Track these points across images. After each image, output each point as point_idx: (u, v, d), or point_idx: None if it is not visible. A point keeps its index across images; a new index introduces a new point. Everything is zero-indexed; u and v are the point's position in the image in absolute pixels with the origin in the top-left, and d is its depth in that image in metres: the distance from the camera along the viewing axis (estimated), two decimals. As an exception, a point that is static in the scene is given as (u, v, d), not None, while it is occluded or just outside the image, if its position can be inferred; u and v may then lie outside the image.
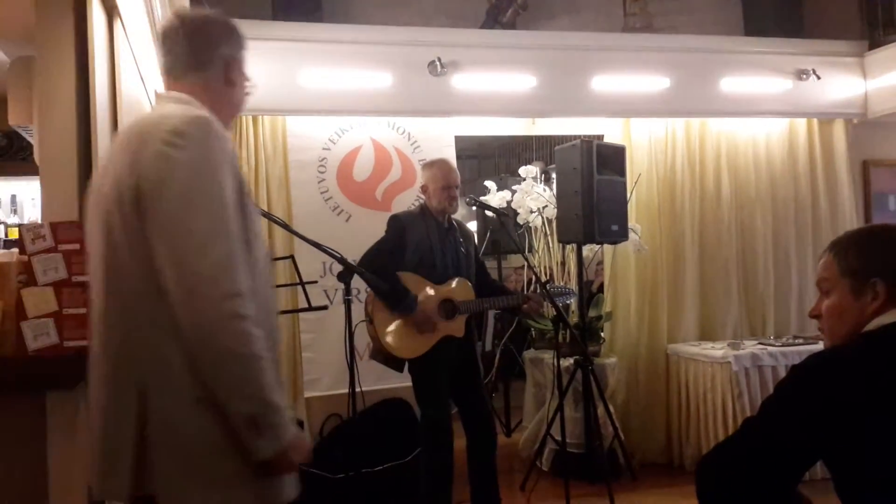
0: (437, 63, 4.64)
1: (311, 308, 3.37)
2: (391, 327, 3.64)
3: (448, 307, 3.70)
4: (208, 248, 1.49)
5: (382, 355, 3.68)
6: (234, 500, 1.56)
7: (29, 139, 4.13)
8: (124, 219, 1.56)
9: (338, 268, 3.70)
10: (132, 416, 1.53)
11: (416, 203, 4.72)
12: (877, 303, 1.52)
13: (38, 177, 2.48)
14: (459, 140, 5.05)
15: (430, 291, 3.68)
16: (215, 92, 1.81)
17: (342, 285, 3.88)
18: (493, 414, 3.97)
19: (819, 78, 5.26)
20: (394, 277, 3.57)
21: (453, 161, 4.75)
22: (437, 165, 3.85)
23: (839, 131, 5.51)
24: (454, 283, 3.74)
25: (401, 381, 3.99)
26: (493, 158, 9.00)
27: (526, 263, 4.08)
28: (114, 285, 1.60)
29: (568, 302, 4.30)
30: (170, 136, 1.55)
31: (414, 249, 3.69)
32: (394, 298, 3.57)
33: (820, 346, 4.89)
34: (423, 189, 3.84)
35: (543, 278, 4.68)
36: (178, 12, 1.85)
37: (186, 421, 1.53)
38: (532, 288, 4.29)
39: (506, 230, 4.22)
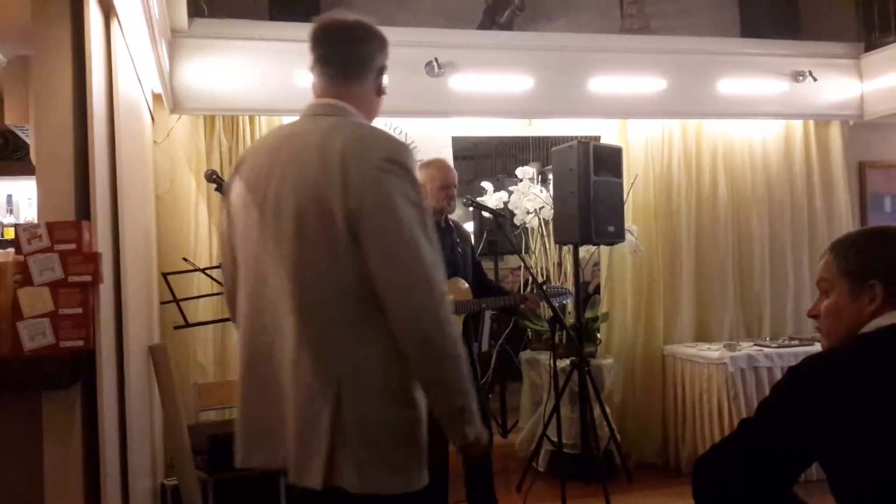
0: (435, 64, 4.64)
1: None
2: None
3: None
4: (432, 274, 1.66)
5: None
6: (412, 485, 1.73)
7: (25, 139, 4.12)
8: (330, 232, 1.67)
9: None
10: (329, 408, 1.67)
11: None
12: (874, 305, 1.52)
13: (34, 176, 2.47)
14: (456, 140, 5.05)
15: None
16: (369, 102, 1.91)
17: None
18: (490, 415, 3.96)
19: (815, 80, 5.27)
20: None
21: (450, 161, 4.76)
22: (435, 165, 3.85)
23: (835, 133, 5.52)
24: (451, 283, 3.74)
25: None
26: (489, 159, 9.00)
27: (522, 264, 4.08)
28: (312, 288, 1.70)
29: (564, 302, 4.29)
30: (387, 165, 1.68)
31: None
32: None
33: (816, 347, 4.89)
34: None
35: (540, 279, 4.68)
36: (337, 17, 1.94)
37: (377, 413, 1.69)
38: (529, 288, 4.29)
39: (502, 231, 4.22)
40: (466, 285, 3.79)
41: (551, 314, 4.07)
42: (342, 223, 1.65)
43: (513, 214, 5.03)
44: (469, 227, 6.59)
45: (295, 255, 1.71)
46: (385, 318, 1.65)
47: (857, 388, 1.42)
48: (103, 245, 2.43)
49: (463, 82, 4.74)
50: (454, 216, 4.40)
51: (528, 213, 5.02)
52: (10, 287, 2.19)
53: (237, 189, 1.85)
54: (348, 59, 1.86)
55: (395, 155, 1.70)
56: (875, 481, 1.40)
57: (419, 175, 3.89)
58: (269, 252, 1.75)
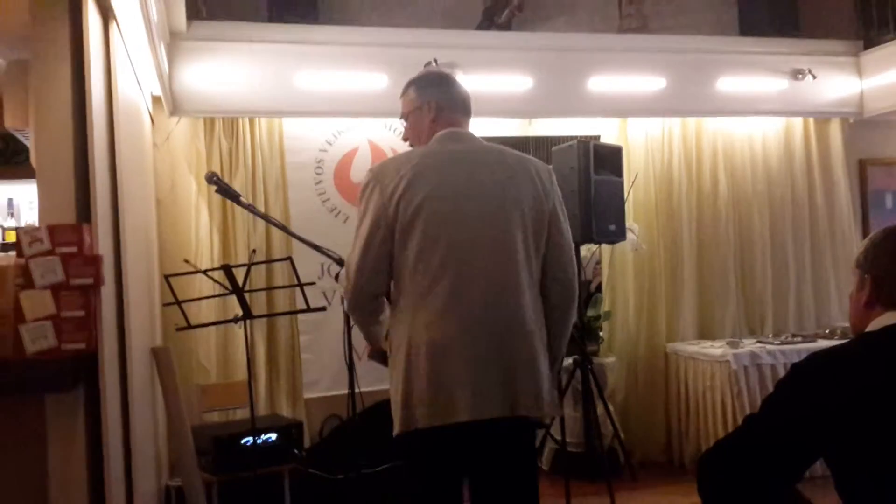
0: (434, 64, 4.63)
1: (309, 309, 3.37)
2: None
3: None
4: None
5: (380, 356, 3.66)
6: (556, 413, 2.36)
7: (25, 142, 4.13)
8: (539, 231, 2.25)
9: (336, 269, 3.71)
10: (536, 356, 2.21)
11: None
12: (865, 297, 1.57)
13: (35, 180, 2.48)
14: (456, 141, 5.04)
15: None
16: None
17: (340, 286, 3.90)
18: None
19: (815, 77, 5.27)
20: None
21: None
22: None
23: (835, 130, 5.53)
24: None
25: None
26: (490, 159, 8.98)
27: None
28: (526, 271, 2.21)
29: None
30: (552, 176, 2.33)
31: None
32: None
33: (819, 343, 4.92)
34: None
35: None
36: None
37: (544, 360, 2.23)
38: None
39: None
40: None
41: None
42: (545, 222, 2.30)
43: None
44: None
45: (516, 248, 2.24)
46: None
47: (860, 386, 1.42)
48: (104, 247, 2.43)
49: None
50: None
51: (529, 212, 5.01)
52: (12, 290, 2.19)
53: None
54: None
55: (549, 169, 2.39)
56: (878, 479, 1.39)
57: None
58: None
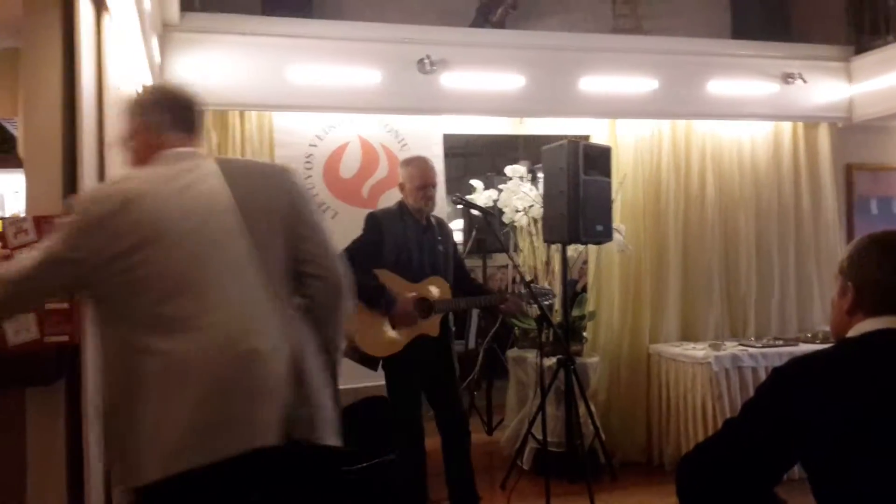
0: (427, 61, 4.64)
1: (295, 304, 3.36)
2: (364, 325, 3.59)
3: (423, 306, 3.67)
4: None
5: (357, 354, 3.66)
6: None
7: (13, 132, 4.10)
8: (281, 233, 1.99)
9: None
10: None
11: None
12: (847, 305, 1.58)
13: (21, 170, 2.46)
14: (447, 138, 5.05)
15: (406, 290, 3.64)
16: None
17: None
18: (467, 414, 3.95)
19: (805, 82, 5.30)
20: (370, 275, 3.54)
21: (434, 159, 4.75)
22: (414, 164, 3.78)
23: (824, 135, 5.55)
24: (430, 282, 3.73)
25: (382, 380, 3.99)
26: (479, 157, 9.00)
27: (511, 262, 4.09)
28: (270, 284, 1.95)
29: (548, 302, 4.31)
30: (288, 174, 2.12)
31: (391, 247, 3.65)
32: (373, 296, 3.54)
33: (800, 348, 4.94)
34: (401, 187, 3.79)
35: (528, 278, 4.70)
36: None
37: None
38: (513, 289, 4.30)
39: (491, 229, 4.22)
40: (447, 284, 3.76)
41: (539, 312, 4.07)
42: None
43: (502, 212, 5.04)
44: (458, 224, 6.61)
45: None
46: None
47: (840, 391, 1.43)
48: (91, 240, 2.42)
49: (455, 80, 4.74)
50: (443, 214, 4.41)
51: (518, 211, 5.03)
52: (-4, 281, 2.17)
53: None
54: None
55: None
56: (855, 482, 1.41)
57: (400, 173, 3.88)
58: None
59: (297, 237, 1.98)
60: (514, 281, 5.20)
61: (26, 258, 1.84)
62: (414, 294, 3.65)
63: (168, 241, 1.81)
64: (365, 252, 3.59)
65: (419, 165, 3.75)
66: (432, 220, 3.81)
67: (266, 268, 1.91)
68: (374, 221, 3.71)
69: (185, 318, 1.80)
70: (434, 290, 3.72)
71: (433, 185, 3.73)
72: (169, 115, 2.00)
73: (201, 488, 1.74)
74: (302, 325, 1.97)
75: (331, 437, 1.97)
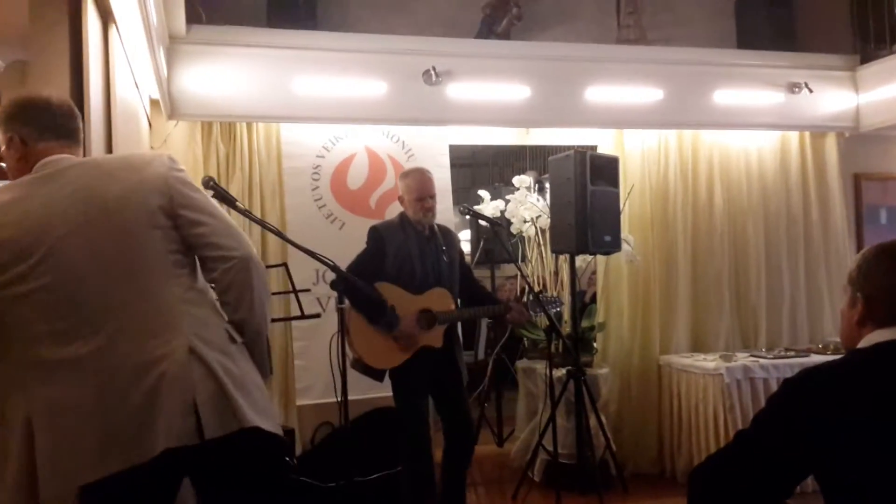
0: (432, 72, 4.65)
1: (303, 316, 3.36)
2: (367, 338, 3.59)
3: (426, 317, 3.65)
4: None
5: (361, 365, 3.66)
6: None
7: (22, 144, 4.11)
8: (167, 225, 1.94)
9: (331, 276, 3.68)
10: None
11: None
12: (857, 316, 1.57)
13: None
14: (453, 149, 5.06)
15: (408, 302, 3.62)
16: None
17: (335, 293, 3.88)
18: (476, 425, 3.92)
19: (811, 91, 5.29)
20: (373, 290, 3.51)
21: (440, 169, 4.76)
22: (412, 176, 3.78)
23: (831, 145, 5.54)
24: (433, 293, 3.70)
25: (390, 390, 3.98)
26: (486, 167, 9.02)
27: (519, 273, 4.08)
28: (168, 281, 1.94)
29: (556, 310, 4.29)
30: (165, 159, 2.00)
31: (393, 259, 3.65)
32: (376, 313, 3.53)
33: (812, 358, 4.90)
34: (400, 199, 3.80)
35: (536, 288, 4.68)
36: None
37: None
38: (524, 298, 4.28)
39: (499, 240, 4.21)
40: (449, 295, 3.74)
41: (548, 323, 4.06)
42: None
43: (509, 223, 5.03)
44: (466, 234, 6.60)
45: None
46: None
47: (852, 402, 1.42)
48: (99, 251, 2.42)
49: (460, 91, 4.75)
50: (451, 224, 4.40)
51: (525, 221, 5.02)
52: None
53: None
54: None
55: None
56: (867, 495, 1.40)
57: (399, 186, 3.88)
58: None
59: (185, 223, 1.92)
60: (522, 291, 5.18)
61: None
62: (416, 310, 3.64)
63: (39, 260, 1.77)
64: (367, 265, 3.60)
65: (416, 177, 3.75)
66: (436, 228, 3.79)
67: (146, 266, 1.86)
68: (376, 234, 3.71)
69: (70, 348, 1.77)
70: (437, 302, 3.70)
71: (431, 196, 3.71)
72: (32, 126, 1.93)
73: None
74: (203, 314, 1.92)
75: (262, 421, 1.89)
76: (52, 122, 1.95)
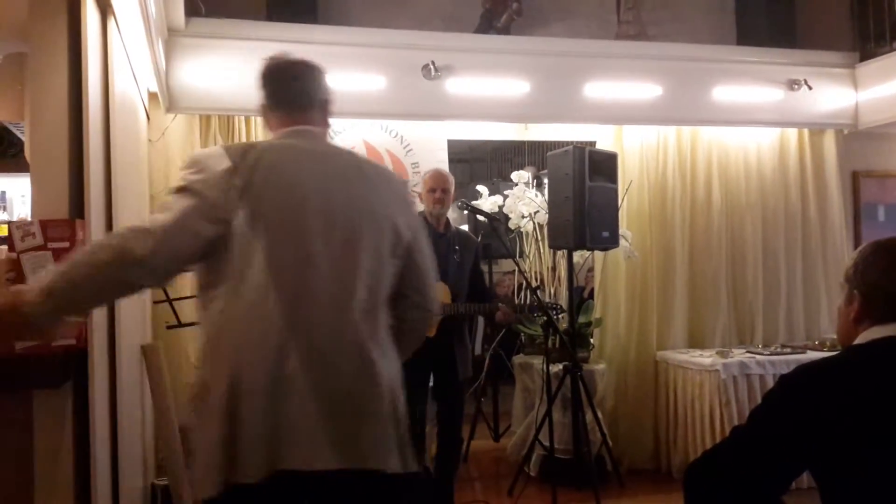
0: (431, 67, 4.64)
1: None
2: None
3: None
4: None
5: None
6: None
7: (20, 136, 4.11)
8: (396, 247, 1.92)
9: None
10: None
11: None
12: (854, 313, 1.57)
13: (28, 174, 2.47)
14: (452, 144, 5.05)
15: None
16: None
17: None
18: (459, 441, 4.00)
19: (811, 88, 5.29)
20: None
21: (439, 164, 4.78)
22: (430, 172, 4.03)
23: (829, 142, 5.54)
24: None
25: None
26: (485, 163, 9.01)
27: (516, 268, 4.08)
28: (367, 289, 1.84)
29: (556, 317, 4.35)
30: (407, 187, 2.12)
31: None
32: None
33: (808, 355, 4.90)
34: (419, 196, 4.01)
35: (534, 283, 4.68)
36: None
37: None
38: (519, 294, 4.30)
39: (497, 235, 4.22)
40: (447, 290, 3.83)
41: (545, 319, 4.07)
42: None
43: (507, 218, 5.03)
44: (463, 230, 6.60)
45: None
46: None
47: (848, 398, 1.42)
48: (97, 244, 2.42)
49: (460, 86, 4.74)
50: (450, 219, 4.42)
51: (523, 217, 5.02)
52: (3, 284, 2.18)
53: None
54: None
55: None
56: (864, 490, 1.40)
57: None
58: None
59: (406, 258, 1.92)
60: (520, 287, 5.19)
61: None
62: None
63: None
64: None
65: (432, 173, 4.00)
66: (453, 229, 3.97)
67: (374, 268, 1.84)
68: None
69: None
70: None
71: (443, 189, 3.88)
72: (269, 90, 1.95)
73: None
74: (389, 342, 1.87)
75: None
76: (297, 92, 2.01)
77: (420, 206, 3.99)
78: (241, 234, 1.72)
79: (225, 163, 1.75)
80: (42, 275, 1.64)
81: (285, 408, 1.68)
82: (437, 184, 3.92)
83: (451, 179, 4.02)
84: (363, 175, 1.90)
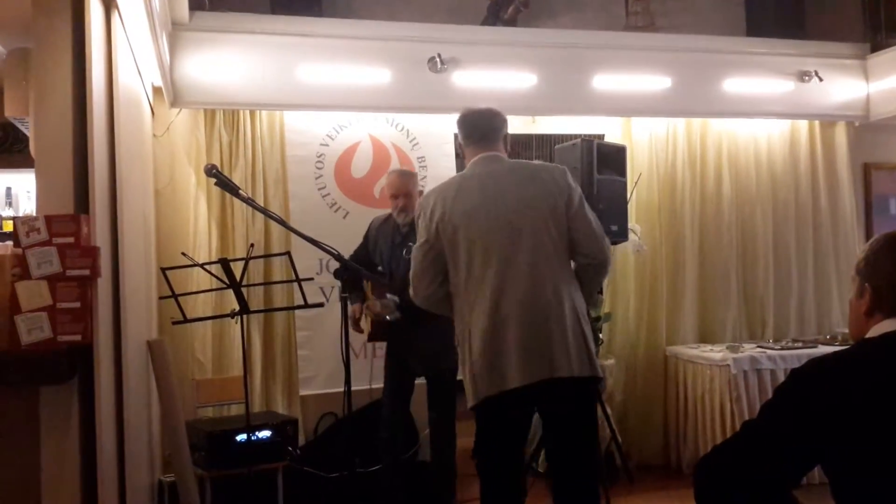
0: (438, 59, 4.61)
1: (307, 305, 3.35)
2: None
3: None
4: None
5: (383, 335, 3.93)
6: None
7: (25, 131, 4.10)
8: (560, 222, 2.78)
9: (334, 265, 3.69)
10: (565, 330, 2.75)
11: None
12: (866, 306, 1.55)
13: (33, 169, 2.46)
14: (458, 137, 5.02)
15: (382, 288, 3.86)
16: None
17: (338, 282, 3.87)
18: (445, 411, 3.96)
19: (821, 80, 5.24)
20: (371, 275, 3.81)
21: (445, 158, 4.80)
22: (391, 175, 4.02)
23: (840, 133, 5.50)
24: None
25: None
26: (492, 156, 8.95)
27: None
28: (556, 259, 2.76)
29: None
30: (567, 174, 2.89)
31: (373, 250, 3.96)
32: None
33: (819, 349, 4.89)
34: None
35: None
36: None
37: (573, 330, 2.77)
38: None
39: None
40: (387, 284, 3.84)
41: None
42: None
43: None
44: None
45: None
46: None
47: (860, 392, 1.41)
48: (102, 239, 2.42)
49: (466, 78, 4.71)
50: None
51: (531, 211, 4.99)
52: (8, 280, 2.18)
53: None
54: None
55: None
56: (875, 485, 1.39)
57: None
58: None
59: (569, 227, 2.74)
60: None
61: None
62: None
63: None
64: (358, 254, 3.96)
65: (390, 177, 4.01)
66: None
67: (540, 243, 2.68)
68: (369, 226, 4.05)
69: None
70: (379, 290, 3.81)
71: (404, 195, 3.85)
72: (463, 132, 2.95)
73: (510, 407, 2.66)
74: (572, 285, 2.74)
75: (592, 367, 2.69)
76: (481, 127, 3.00)
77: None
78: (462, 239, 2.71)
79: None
80: None
81: (506, 337, 2.62)
82: (396, 190, 3.86)
83: (413, 179, 3.94)
84: (534, 177, 2.77)
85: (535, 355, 2.59)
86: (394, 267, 3.86)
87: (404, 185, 3.88)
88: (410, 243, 3.77)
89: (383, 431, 3.90)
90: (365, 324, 3.90)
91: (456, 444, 3.95)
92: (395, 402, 3.93)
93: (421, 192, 3.83)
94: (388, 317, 3.71)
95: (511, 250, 2.66)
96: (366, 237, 4.03)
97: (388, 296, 3.73)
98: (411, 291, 2.82)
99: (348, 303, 3.61)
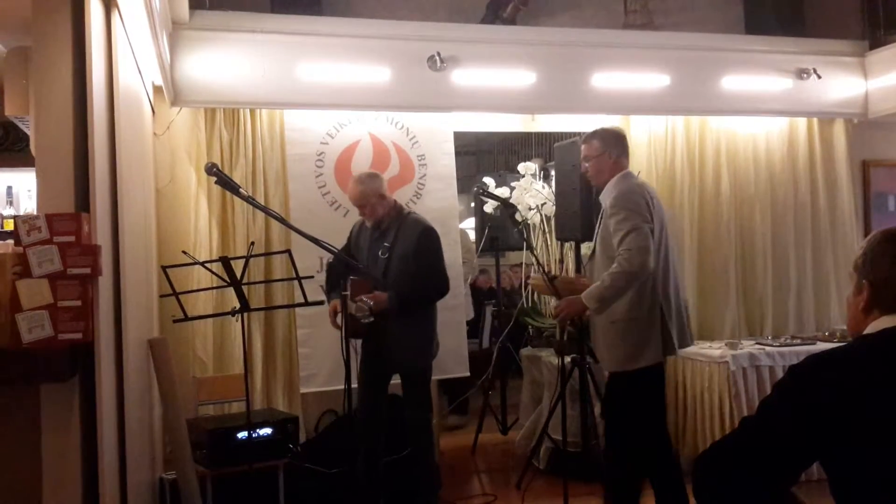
0: (437, 58, 4.61)
1: (307, 303, 3.36)
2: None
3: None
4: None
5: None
6: None
7: (25, 130, 4.11)
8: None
9: (335, 263, 3.70)
10: None
11: (414, 199, 4.73)
12: (863, 303, 1.56)
13: (34, 168, 2.47)
14: (458, 136, 5.02)
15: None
16: None
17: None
18: (419, 406, 3.94)
19: (820, 77, 5.24)
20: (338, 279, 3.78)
21: (445, 156, 4.79)
22: (349, 184, 4.01)
23: (839, 131, 5.50)
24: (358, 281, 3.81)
25: (395, 378, 3.99)
26: (491, 154, 8.98)
27: (535, 259, 4.04)
28: None
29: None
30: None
31: (354, 250, 4.01)
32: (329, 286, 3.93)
33: (817, 346, 4.87)
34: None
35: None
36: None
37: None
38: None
39: (512, 221, 4.20)
40: (363, 282, 3.78)
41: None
42: None
43: (515, 210, 5.01)
44: (470, 223, 6.58)
45: None
46: None
47: (858, 388, 1.42)
48: (102, 237, 2.42)
49: (465, 77, 4.71)
50: (456, 212, 4.44)
51: (530, 209, 5.00)
52: (9, 279, 2.18)
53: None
54: None
55: None
56: (874, 481, 1.40)
57: None
58: None
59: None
60: (527, 278, 5.17)
61: None
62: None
63: None
64: (344, 252, 3.95)
65: (349, 187, 3.99)
66: (392, 226, 3.89)
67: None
68: (352, 228, 4.11)
69: None
70: (359, 286, 3.75)
71: (360, 206, 3.89)
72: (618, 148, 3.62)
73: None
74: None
75: None
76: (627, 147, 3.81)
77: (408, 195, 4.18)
78: None
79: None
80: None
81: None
82: (353, 201, 3.94)
83: (372, 182, 3.86)
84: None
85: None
86: (371, 266, 3.87)
87: (362, 195, 3.86)
88: (386, 243, 3.86)
89: (359, 430, 3.88)
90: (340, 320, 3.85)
91: (434, 441, 3.95)
92: (369, 397, 3.91)
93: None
94: (362, 320, 3.68)
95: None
96: (348, 239, 4.09)
97: (364, 298, 3.69)
98: (651, 263, 3.34)
99: (326, 300, 3.73)
